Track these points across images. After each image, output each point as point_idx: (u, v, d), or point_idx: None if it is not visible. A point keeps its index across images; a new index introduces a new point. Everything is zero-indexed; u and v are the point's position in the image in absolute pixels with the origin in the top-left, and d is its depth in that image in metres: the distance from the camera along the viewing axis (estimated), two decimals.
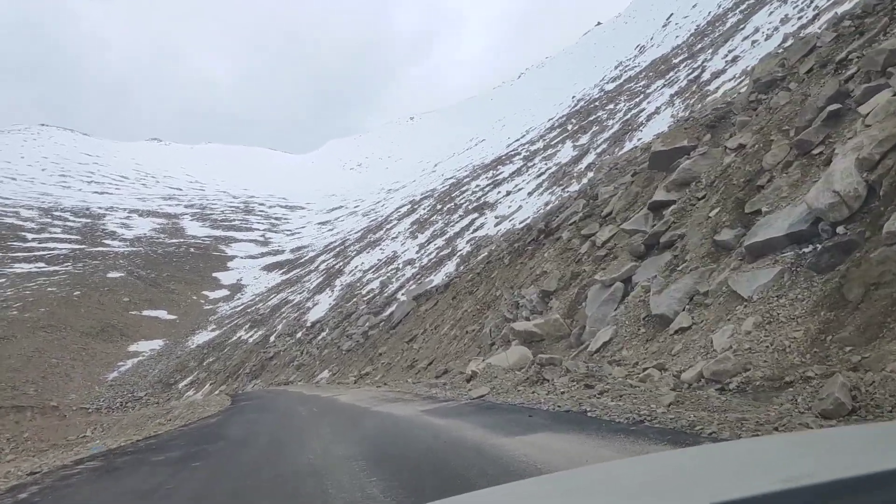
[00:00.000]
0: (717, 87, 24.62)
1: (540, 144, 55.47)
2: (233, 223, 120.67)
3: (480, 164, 79.18)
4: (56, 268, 79.77)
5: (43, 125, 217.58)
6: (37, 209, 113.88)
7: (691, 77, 31.76)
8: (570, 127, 53.14)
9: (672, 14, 78.26)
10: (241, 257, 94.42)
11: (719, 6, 56.43)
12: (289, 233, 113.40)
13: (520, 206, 33.24)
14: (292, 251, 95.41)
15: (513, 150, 69.74)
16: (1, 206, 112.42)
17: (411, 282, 32.39)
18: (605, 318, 9.55)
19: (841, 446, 1.50)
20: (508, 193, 39.49)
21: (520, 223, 28.38)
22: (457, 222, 41.34)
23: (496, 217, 34.06)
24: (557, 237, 14.66)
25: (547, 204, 28.08)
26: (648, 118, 30.28)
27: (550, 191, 31.18)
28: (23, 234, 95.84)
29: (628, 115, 36.74)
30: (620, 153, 25.06)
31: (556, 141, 49.95)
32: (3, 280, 73.39)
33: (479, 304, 17.09)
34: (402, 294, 30.24)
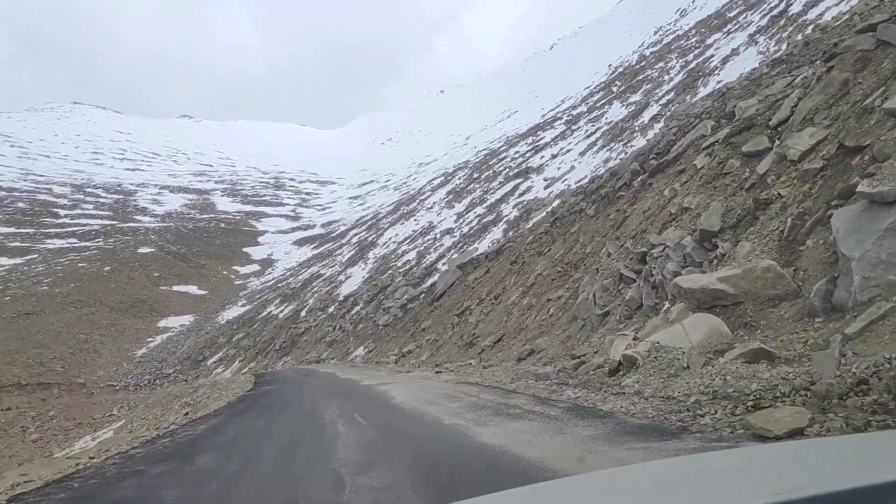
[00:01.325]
0: (821, 14, 21.36)
1: (583, 108, 52.23)
2: (263, 198, 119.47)
3: (514, 134, 76.01)
4: (87, 243, 79.11)
5: (76, 103, 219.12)
6: (69, 186, 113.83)
7: (774, 13, 28.39)
8: (614, 89, 49.76)
9: None
10: (272, 232, 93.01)
11: None
12: (319, 207, 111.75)
13: (572, 167, 30.47)
14: (323, 226, 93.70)
15: (550, 117, 66.50)
16: (34, 182, 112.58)
17: (452, 251, 29.91)
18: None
19: (833, 457, 1.47)
20: (554, 156, 36.64)
21: (575, 182, 25.72)
22: (497, 189, 38.69)
23: (545, 179, 31.28)
24: (681, 168, 11.60)
25: (607, 161, 25.39)
26: (724, 61, 27.15)
27: (608, 147, 28.36)
28: (55, 210, 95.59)
29: (691, 65, 33.46)
30: (695, 98, 22.14)
31: (601, 103, 46.79)
32: (36, 256, 72.87)
33: (558, 266, 14.21)
34: (444, 264, 27.80)
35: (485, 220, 31.97)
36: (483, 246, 26.04)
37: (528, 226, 22.71)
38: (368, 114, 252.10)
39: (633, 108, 34.59)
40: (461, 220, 37.36)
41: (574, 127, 43.70)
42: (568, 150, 35.66)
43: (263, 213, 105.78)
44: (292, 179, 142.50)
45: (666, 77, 37.04)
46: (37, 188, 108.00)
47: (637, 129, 27.55)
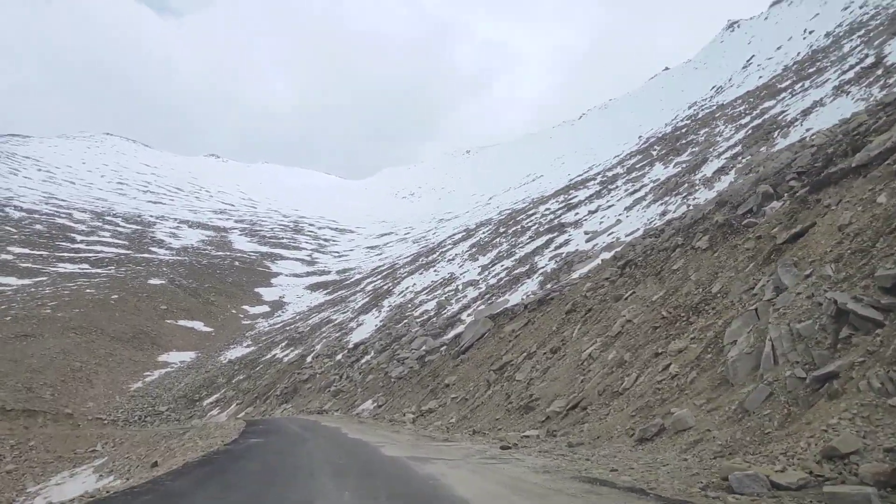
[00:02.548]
0: None
1: (619, 170, 50.68)
2: (281, 241, 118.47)
3: (540, 196, 74.56)
4: (99, 270, 77.77)
5: (107, 134, 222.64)
6: (90, 212, 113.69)
7: (864, 65, 26.82)
8: (654, 153, 48.22)
9: (753, 56, 75.38)
10: (286, 275, 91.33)
11: (810, 46, 52.52)
12: (336, 254, 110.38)
13: (617, 221, 28.48)
14: (338, 272, 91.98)
15: (580, 180, 65.08)
16: (56, 207, 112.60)
17: (478, 302, 27.68)
18: None
19: None
20: (592, 212, 34.79)
21: (625, 234, 23.61)
22: (527, 243, 36.69)
23: (586, 233, 29.24)
24: (876, 174, 9.03)
25: (664, 213, 23.45)
26: (805, 113, 25.39)
27: (661, 202, 26.44)
28: (72, 235, 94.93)
29: (753, 124, 31.87)
30: (773, 149, 20.22)
31: (640, 165, 45.22)
32: (45, 279, 71.52)
33: (661, 311, 11.31)
34: (468, 315, 25.57)
35: (515, 272, 29.83)
36: (515, 298, 23.83)
37: (574, 276, 20.53)
38: (392, 167, 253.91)
39: (684, 165, 32.91)
40: (486, 272, 35.26)
41: (611, 186, 41.96)
42: (609, 206, 33.80)
43: (279, 256, 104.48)
44: (311, 225, 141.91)
45: (719, 138, 35.44)
46: (57, 212, 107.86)
47: (698, 182, 25.62)
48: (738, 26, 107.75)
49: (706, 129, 42.42)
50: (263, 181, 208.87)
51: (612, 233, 25.74)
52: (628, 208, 29.75)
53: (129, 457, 29.63)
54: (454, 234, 79.46)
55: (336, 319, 49.11)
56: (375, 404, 22.19)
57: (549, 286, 21.32)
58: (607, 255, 21.49)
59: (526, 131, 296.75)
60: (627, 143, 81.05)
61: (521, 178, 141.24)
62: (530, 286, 24.51)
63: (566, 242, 29.66)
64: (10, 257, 77.89)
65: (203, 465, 11.15)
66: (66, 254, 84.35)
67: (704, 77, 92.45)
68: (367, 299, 51.52)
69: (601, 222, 29.97)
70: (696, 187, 24.60)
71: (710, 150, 33.12)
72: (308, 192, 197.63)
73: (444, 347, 22.91)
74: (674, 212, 22.63)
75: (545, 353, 14.51)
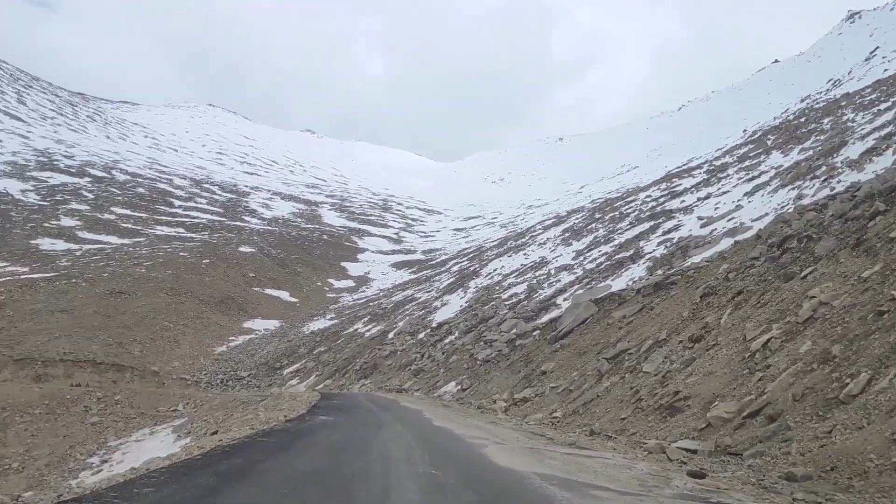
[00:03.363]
0: None
1: (727, 159, 46.75)
2: (369, 217, 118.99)
3: (635, 186, 70.64)
4: (193, 235, 79.97)
5: (210, 105, 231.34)
6: (189, 179, 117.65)
7: None
8: (768, 142, 44.05)
9: (877, 48, 68.85)
10: (372, 251, 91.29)
11: None
12: (423, 234, 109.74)
13: (737, 206, 25.54)
14: (424, 252, 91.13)
15: (683, 169, 61.01)
16: (158, 172, 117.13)
17: (575, 286, 25.44)
18: None
19: None
20: (701, 199, 31.73)
21: (752, 219, 20.79)
22: (627, 229, 34.02)
23: (700, 218, 26.34)
24: None
25: (799, 197, 20.47)
26: None
27: (794, 186, 23.30)
28: (171, 199, 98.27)
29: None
30: None
31: (753, 154, 41.32)
32: (143, 239, 74.09)
33: (889, 289, 8.35)
34: (565, 299, 23.45)
35: (617, 256, 27.35)
36: (619, 283, 21.48)
37: (693, 261, 18.01)
38: (483, 152, 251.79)
39: (811, 152, 29.34)
40: (581, 257, 32.88)
41: (721, 175, 38.46)
42: (723, 192, 30.70)
43: (367, 232, 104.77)
44: (400, 204, 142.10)
45: (852, 124, 31.58)
46: (159, 177, 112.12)
47: (841, 164, 22.36)
48: (860, 17, 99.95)
49: (830, 118, 38.21)
50: (355, 158, 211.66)
51: (733, 218, 22.82)
52: (748, 194, 26.63)
53: (207, 419, 29.36)
54: (544, 220, 76.87)
55: (420, 298, 47.83)
56: (459, 387, 20.46)
57: (660, 271, 18.84)
58: (730, 241, 18.82)
59: (619, 122, 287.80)
60: (730, 136, 75.76)
61: (614, 168, 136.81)
62: (636, 271, 22.08)
63: (676, 227, 26.87)
64: (112, 217, 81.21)
65: (234, 454, 8.61)
66: (164, 217, 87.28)
67: (819, 70, 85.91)
68: (452, 279, 49.97)
69: (716, 208, 26.95)
70: (840, 170, 21.39)
71: (846, 134, 29.38)
72: (398, 171, 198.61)
73: (537, 332, 20.84)
74: (812, 195, 19.60)
75: (682, 342, 12.06)
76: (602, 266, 26.62)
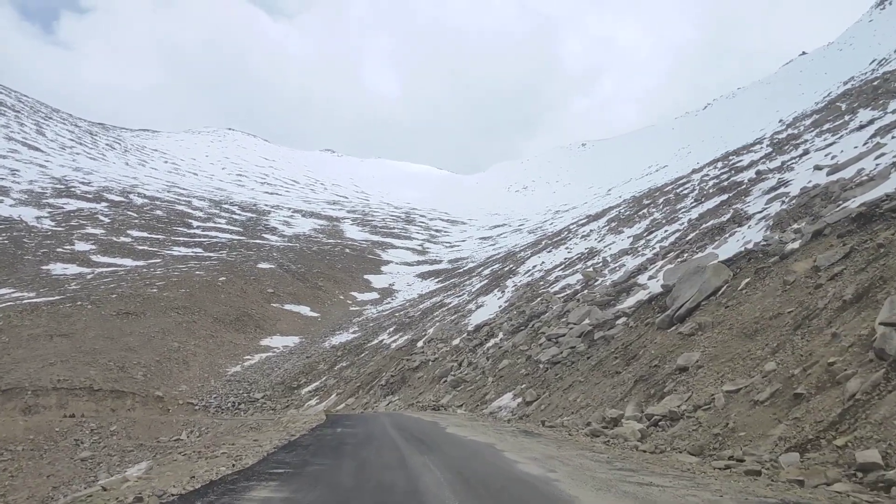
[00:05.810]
0: None
1: (793, 131, 41.46)
2: (392, 230, 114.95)
3: (675, 178, 65.28)
4: (211, 254, 76.32)
5: (229, 129, 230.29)
6: (208, 200, 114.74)
7: None
8: (842, 106, 38.76)
9: None
10: (396, 263, 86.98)
11: None
12: (448, 245, 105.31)
13: (877, 144, 20.18)
14: (450, 262, 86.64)
15: (740, 147, 55.73)
16: (177, 195, 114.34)
17: (658, 262, 20.58)
18: None
19: None
20: (795, 158, 26.61)
21: None
22: (693, 207, 29.13)
23: (818, 167, 21.13)
24: None
25: None
26: None
27: None
28: (190, 220, 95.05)
29: None
30: None
31: (831, 118, 36.04)
32: (158, 261, 70.53)
33: None
34: (649, 278, 18.70)
35: (704, 225, 22.42)
36: (724, 250, 16.61)
37: (867, 198, 12.97)
38: (504, 162, 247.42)
39: None
40: (642, 241, 28.06)
41: (796, 142, 33.23)
42: (830, 144, 25.54)
43: (390, 245, 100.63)
44: (423, 216, 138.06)
45: None
46: (177, 199, 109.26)
47: None
48: (890, 3, 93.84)
49: None
50: (376, 174, 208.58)
51: (883, 154, 17.69)
52: (878, 134, 21.20)
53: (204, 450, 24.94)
54: (577, 220, 71.92)
55: (450, 303, 43.12)
56: (520, 399, 15.52)
57: (826, 210, 13.67)
58: None
59: (639, 126, 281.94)
60: (764, 129, 69.91)
61: (642, 168, 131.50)
62: (749, 234, 17.20)
63: (781, 184, 21.83)
64: (128, 240, 77.90)
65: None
66: (181, 238, 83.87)
67: (856, 56, 79.98)
68: (485, 282, 45.22)
69: (834, 156, 21.82)
70: None
71: None
72: (420, 185, 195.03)
73: (624, 318, 16.01)
74: None
75: None
76: (689, 237, 21.70)
